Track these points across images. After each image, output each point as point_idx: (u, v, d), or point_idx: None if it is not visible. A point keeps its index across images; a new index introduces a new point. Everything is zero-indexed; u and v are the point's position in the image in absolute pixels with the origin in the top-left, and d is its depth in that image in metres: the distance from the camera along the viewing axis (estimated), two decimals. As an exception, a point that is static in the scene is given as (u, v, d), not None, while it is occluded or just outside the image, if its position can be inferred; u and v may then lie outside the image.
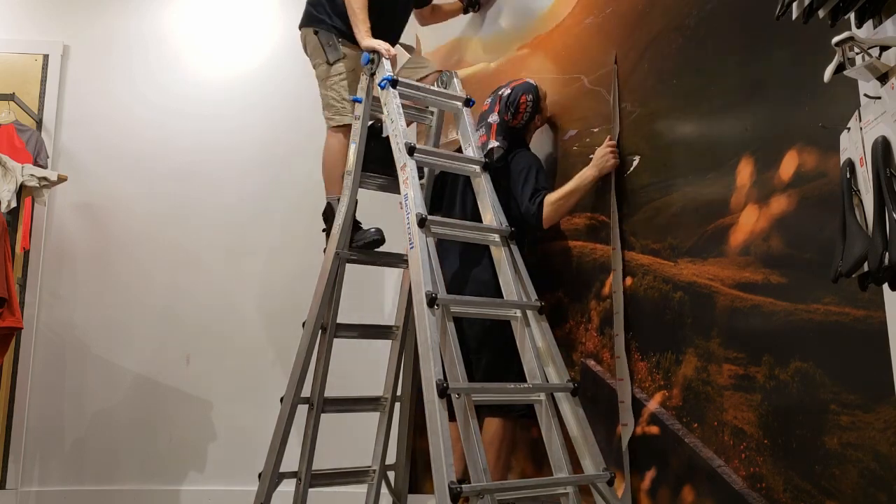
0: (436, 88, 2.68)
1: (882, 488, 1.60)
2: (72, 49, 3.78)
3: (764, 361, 1.90)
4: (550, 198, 2.49)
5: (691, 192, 2.20)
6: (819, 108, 1.78)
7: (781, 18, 1.56)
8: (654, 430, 2.22)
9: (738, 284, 2.00)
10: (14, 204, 3.22)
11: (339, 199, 2.64)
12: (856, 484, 1.65)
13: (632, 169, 2.42)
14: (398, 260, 2.75)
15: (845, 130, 1.45)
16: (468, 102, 2.63)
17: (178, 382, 3.48)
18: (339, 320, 2.63)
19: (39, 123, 3.66)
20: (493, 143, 2.62)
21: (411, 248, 2.15)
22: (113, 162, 3.67)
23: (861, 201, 1.37)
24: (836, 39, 1.41)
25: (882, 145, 1.32)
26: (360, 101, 2.62)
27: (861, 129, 1.39)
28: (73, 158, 3.67)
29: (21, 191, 3.27)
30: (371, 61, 2.58)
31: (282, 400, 2.54)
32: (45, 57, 3.74)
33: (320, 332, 2.59)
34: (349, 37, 2.77)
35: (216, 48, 3.84)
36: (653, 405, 2.24)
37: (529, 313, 2.23)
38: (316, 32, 2.84)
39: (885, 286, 1.44)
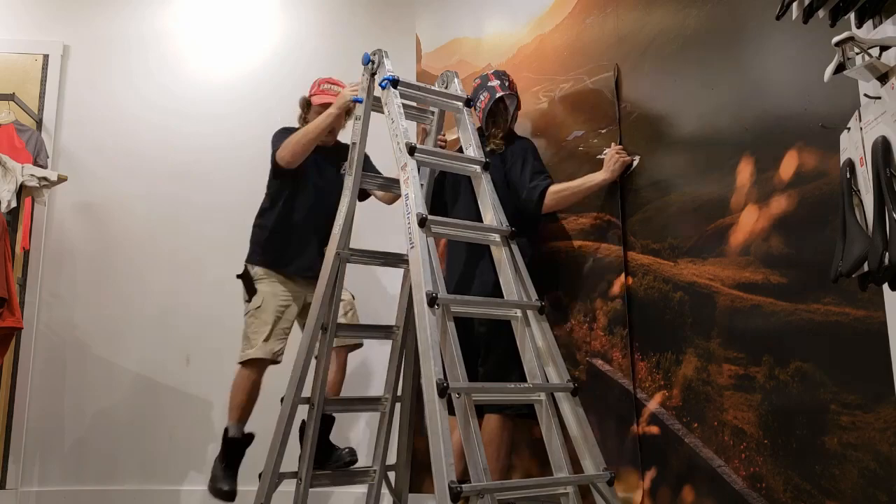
0: (437, 88, 2.68)
1: (882, 488, 1.60)
2: (72, 49, 3.78)
3: (764, 361, 1.91)
4: (555, 188, 2.53)
5: (691, 192, 2.20)
6: (819, 108, 1.78)
7: (781, 18, 1.56)
8: (654, 430, 2.22)
9: (738, 284, 2.00)
10: (14, 204, 3.22)
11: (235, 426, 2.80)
12: (856, 484, 1.65)
13: (632, 169, 2.42)
14: (398, 260, 2.75)
15: (845, 130, 1.45)
16: (469, 102, 2.64)
17: (178, 382, 3.48)
18: (339, 320, 2.63)
19: (39, 123, 3.65)
20: (503, 92, 2.68)
21: (412, 247, 2.15)
22: (113, 162, 3.67)
23: (861, 201, 1.37)
24: (836, 39, 1.41)
25: (882, 145, 1.32)
26: (360, 102, 2.61)
27: (861, 129, 1.39)
28: (73, 158, 3.67)
29: (21, 191, 3.27)
30: (371, 61, 2.58)
31: (282, 400, 2.54)
32: (45, 57, 3.73)
33: (321, 332, 2.59)
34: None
35: (216, 48, 3.84)
36: (653, 405, 2.24)
37: (530, 313, 2.23)
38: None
39: (885, 286, 1.45)
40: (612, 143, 2.50)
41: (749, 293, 1.97)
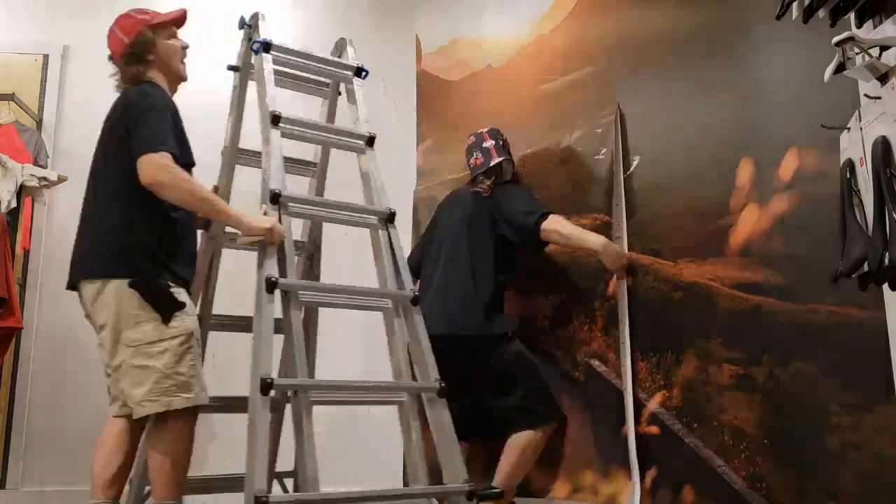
0: (321, 55, 2.37)
1: (882, 488, 1.60)
2: (72, 49, 3.77)
3: (764, 361, 1.90)
4: (560, 219, 2.48)
5: (691, 192, 2.20)
6: (819, 108, 1.78)
7: (781, 18, 1.56)
8: (654, 430, 2.22)
9: (738, 284, 2.00)
10: (14, 204, 3.22)
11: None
12: (856, 484, 1.65)
13: (632, 169, 2.42)
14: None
15: (845, 130, 1.45)
16: (360, 72, 2.36)
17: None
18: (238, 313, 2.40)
19: (39, 123, 3.65)
20: (499, 158, 2.66)
21: None
22: (113, 162, 3.67)
23: (861, 201, 1.37)
24: (836, 39, 1.41)
25: (882, 145, 1.32)
26: (238, 70, 2.40)
27: (861, 129, 1.40)
28: (73, 158, 3.66)
29: (21, 191, 3.27)
30: (249, 25, 2.31)
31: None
32: (45, 57, 3.73)
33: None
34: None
35: (216, 48, 3.83)
36: (653, 405, 2.24)
37: (402, 304, 2.02)
38: (135, 284, 1.95)
39: (886, 286, 1.45)
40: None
41: (749, 293, 1.97)
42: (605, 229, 2.48)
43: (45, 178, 3.31)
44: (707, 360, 2.07)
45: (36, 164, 3.40)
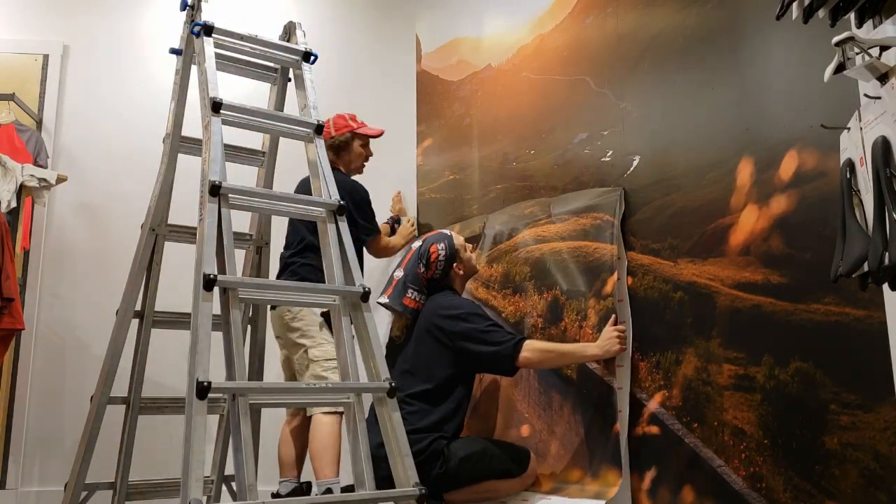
0: (267, 39, 2.31)
1: (882, 488, 1.60)
2: (72, 49, 3.78)
3: (764, 361, 1.90)
4: (536, 344, 2.39)
5: (691, 192, 2.20)
6: (819, 108, 1.78)
7: (781, 18, 1.56)
8: (654, 430, 2.22)
9: (738, 284, 2.00)
10: (14, 204, 3.23)
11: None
12: (856, 484, 1.65)
13: (632, 169, 2.42)
14: (237, 238, 2.40)
15: (845, 130, 1.45)
16: (308, 57, 2.31)
17: (179, 382, 3.48)
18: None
19: (39, 123, 3.65)
20: (383, 299, 2.53)
21: (199, 221, 1.86)
22: (113, 162, 3.67)
23: (861, 201, 1.37)
24: (836, 39, 1.41)
25: (882, 145, 1.32)
26: (180, 54, 2.35)
27: (861, 129, 1.39)
28: (73, 158, 3.67)
29: (21, 191, 3.27)
30: (191, 6, 2.24)
31: (92, 399, 2.35)
32: (45, 57, 3.74)
33: (138, 321, 2.37)
34: None
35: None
36: (653, 405, 2.24)
37: (350, 301, 1.95)
38: None
39: (886, 286, 1.45)
40: (612, 318, 2.35)
41: (749, 293, 1.97)
42: (605, 228, 2.48)
43: (44, 180, 3.32)
44: (707, 360, 2.07)
45: (36, 163, 3.41)
